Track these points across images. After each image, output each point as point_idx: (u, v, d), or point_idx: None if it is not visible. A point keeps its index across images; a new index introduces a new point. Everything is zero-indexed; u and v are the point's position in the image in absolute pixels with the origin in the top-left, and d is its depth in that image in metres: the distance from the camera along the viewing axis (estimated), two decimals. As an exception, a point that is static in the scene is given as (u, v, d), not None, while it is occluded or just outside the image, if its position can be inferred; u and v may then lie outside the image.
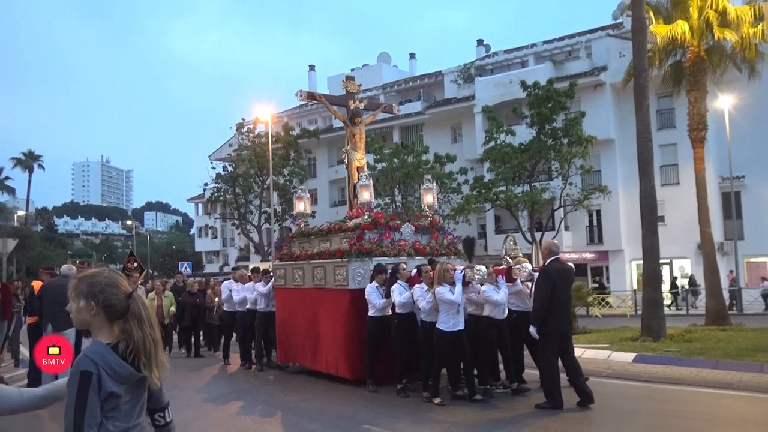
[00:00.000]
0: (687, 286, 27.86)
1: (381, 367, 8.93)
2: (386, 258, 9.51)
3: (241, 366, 11.88)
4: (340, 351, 9.44)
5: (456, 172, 29.22)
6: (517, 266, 8.63)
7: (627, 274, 31.26)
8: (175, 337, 15.09)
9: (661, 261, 14.04)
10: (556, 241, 7.97)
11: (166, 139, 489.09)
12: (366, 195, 10.42)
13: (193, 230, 72.02)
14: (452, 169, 29.81)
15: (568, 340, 7.62)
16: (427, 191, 11.37)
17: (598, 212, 30.93)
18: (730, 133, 25.27)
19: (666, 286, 24.72)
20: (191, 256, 59.18)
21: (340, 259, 9.58)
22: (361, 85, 12.29)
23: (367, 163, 35.69)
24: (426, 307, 7.96)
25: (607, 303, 26.93)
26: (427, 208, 11.18)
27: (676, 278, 29.20)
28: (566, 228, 30.61)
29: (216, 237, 56.93)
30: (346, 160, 11.30)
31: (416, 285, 8.31)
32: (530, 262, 11.07)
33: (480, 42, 43.85)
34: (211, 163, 42.17)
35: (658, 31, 17.98)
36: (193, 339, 14.38)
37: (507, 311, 8.38)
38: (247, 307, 11.79)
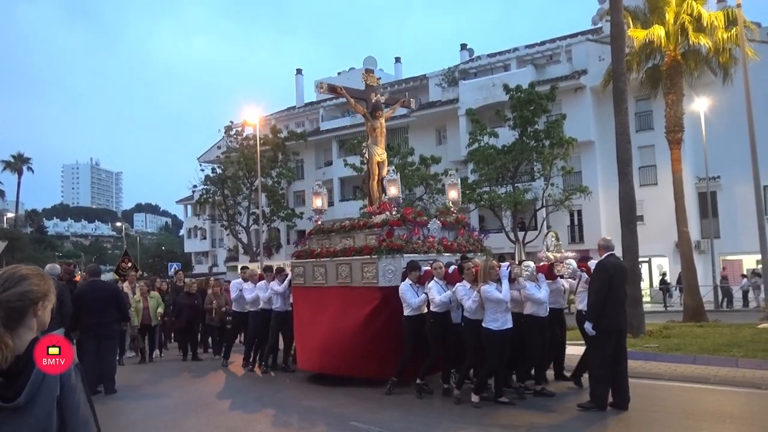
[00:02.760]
0: (661, 284, 28.12)
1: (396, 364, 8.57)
2: (416, 255, 9.10)
3: (243, 367, 11.36)
4: (373, 351, 8.89)
5: (441, 173, 29.27)
6: (561, 262, 8.24)
7: (607, 272, 31.39)
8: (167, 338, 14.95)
9: (639, 259, 14.16)
10: (609, 237, 7.58)
11: (155, 141, 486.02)
12: (393, 190, 10.00)
13: (183, 231, 71.57)
14: (437, 171, 29.87)
15: (623, 338, 7.28)
16: (451, 186, 10.96)
17: (579, 212, 31.11)
18: (705, 135, 25.57)
19: (645, 284, 24.93)
20: (180, 257, 58.76)
21: (368, 256, 9.09)
22: (380, 78, 11.74)
23: (353, 165, 35.46)
24: (472, 306, 7.51)
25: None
26: (451, 204, 10.83)
27: (665, 275, 29.19)
28: (548, 227, 30.74)
29: (205, 238, 56.66)
30: (366, 155, 10.90)
31: (458, 283, 7.87)
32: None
33: (464, 46, 43.96)
34: (200, 165, 42.06)
35: (636, 35, 18.15)
36: (190, 342, 13.51)
37: (549, 309, 8.03)
38: (261, 306, 11.06)
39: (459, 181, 11.13)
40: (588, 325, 7.11)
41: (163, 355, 13.84)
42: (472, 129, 28.15)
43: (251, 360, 11.33)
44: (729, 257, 29.55)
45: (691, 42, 18.00)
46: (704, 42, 17.77)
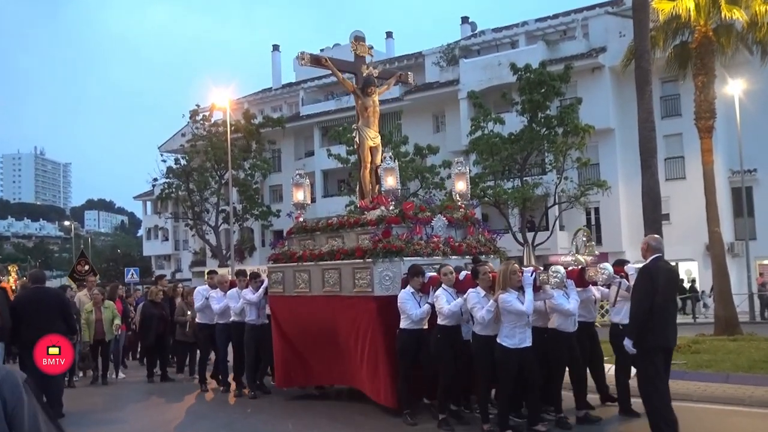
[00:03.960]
0: (690, 292, 28.21)
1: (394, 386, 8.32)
2: (418, 258, 8.67)
3: (220, 389, 11.15)
4: (373, 372, 8.57)
5: (438, 165, 29.31)
6: (594, 267, 7.83)
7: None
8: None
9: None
10: (659, 236, 7.21)
11: (109, 128, 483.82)
12: (391, 181, 9.59)
13: (141, 232, 71.21)
14: (434, 162, 29.88)
15: (670, 358, 6.95)
16: (459, 176, 10.55)
17: (597, 210, 31.24)
18: (740, 122, 25.68)
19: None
20: (139, 261, 58.49)
21: (361, 260, 8.75)
22: (372, 47, 11.37)
23: (338, 155, 35.52)
24: (486, 317, 7.14)
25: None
26: (458, 198, 10.46)
27: (694, 281, 29.27)
28: (561, 227, 30.84)
29: (167, 239, 56.37)
30: (356, 139, 10.66)
31: (470, 289, 7.50)
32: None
33: (465, 19, 44.00)
34: (162, 155, 41.88)
35: (662, 7, 18.19)
36: (159, 360, 13.12)
37: (577, 323, 7.83)
38: (232, 319, 10.77)
39: (468, 171, 10.84)
40: (628, 343, 6.75)
41: (120, 376, 13.32)
42: (475, 114, 28.19)
43: (225, 380, 11.18)
44: (766, 261, 29.76)
45: (723, 15, 18.07)
46: (738, 16, 17.84)
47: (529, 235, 27.01)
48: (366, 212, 9.55)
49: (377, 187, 10.39)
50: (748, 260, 26.84)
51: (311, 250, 9.69)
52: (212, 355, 11.89)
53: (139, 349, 15.81)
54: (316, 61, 11.01)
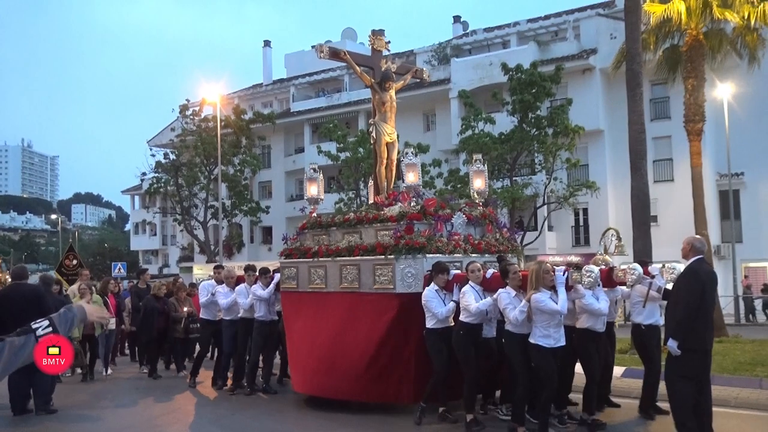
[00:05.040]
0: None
1: (420, 386, 8.19)
2: (440, 255, 8.55)
3: (213, 386, 10.96)
4: (389, 371, 8.42)
5: (429, 164, 29.31)
6: (624, 267, 7.68)
7: (616, 280, 31.72)
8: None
9: (653, 265, 14.28)
10: (701, 237, 7.17)
11: (97, 121, 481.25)
12: (412, 176, 9.49)
13: (129, 226, 70.94)
14: (425, 161, 29.85)
15: (710, 360, 6.90)
16: (477, 174, 10.45)
17: (585, 211, 31.36)
18: (729, 126, 25.86)
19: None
20: (126, 256, 58.27)
21: (382, 256, 8.62)
22: (390, 42, 11.24)
23: (328, 152, 35.38)
24: (519, 317, 7.11)
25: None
26: (476, 195, 10.35)
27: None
28: (550, 228, 30.95)
29: (155, 234, 56.20)
30: (373, 134, 10.49)
31: (501, 290, 7.47)
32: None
33: (457, 19, 44.08)
34: (150, 149, 41.65)
35: (653, 10, 18.28)
36: (159, 355, 13.02)
37: (606, 322, 7.75)
38: (239, 315, 10.57)
39: (486, 168, 10.76)
40: (673, 344, 6.65)
41: (110, 372, 12.89)
42: (465, 114, 28.20)
43: (223, 377, 10.97)
44: (752, 264, 29.98)
45: (715, 18, 18.17)
46: (731, 18, 17.94)
47: (518, 235, 27.07)
48: (384, 208, 9.36)
49: (392, 183, 10.27)
50: (735, 263, 27.03)
51: (327, 246, 9.49)
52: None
53: (127, 344, 15.61)
54: (334, 54, 10.84)
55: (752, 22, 17.95)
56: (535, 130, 25.89)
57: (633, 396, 9.09)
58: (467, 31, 42.08)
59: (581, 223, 32.23)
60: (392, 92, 10.46)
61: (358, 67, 10.68)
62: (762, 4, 17.52)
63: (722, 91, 25.62)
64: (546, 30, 36.14)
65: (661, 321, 8.04)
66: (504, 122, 26.60)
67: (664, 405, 7.45)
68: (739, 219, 29.70)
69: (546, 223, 29.12)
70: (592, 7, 35.33)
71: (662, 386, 7.62)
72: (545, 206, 27.77)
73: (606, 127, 31.04)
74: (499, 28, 38.41)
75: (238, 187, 37.92)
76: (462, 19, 44.22)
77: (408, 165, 9.59)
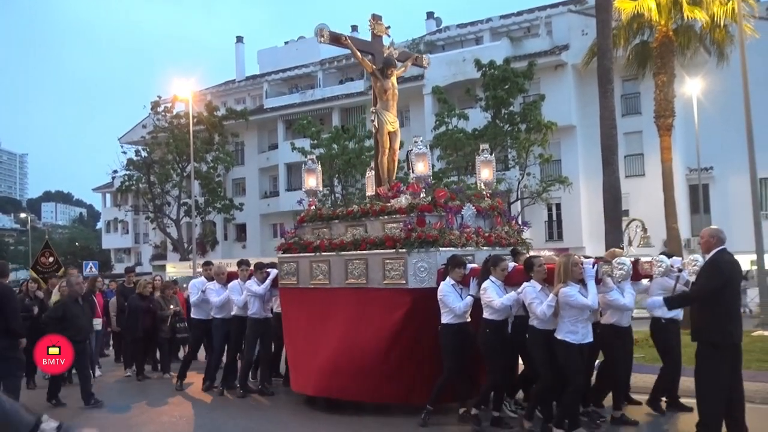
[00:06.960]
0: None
1: (425, 387, 7.86)
2: (453, 249, 8.23)
3: (204, 386, 10.45)
4: (401, 370, 8.07)
5: (402, 159, 29.29)
6: (651, 259, 7.41)
7: (588, 274, 32.07)
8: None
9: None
10: (720, 228, 6.91)
11: (67, 118, 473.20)
12: (421, 167, 9.07)
13: (100, 224, 70.04)
14: (399, 157, 29.86)
15: (741, 354, 6.63)
16: (484, 165, 10.15)
17: (558, 206, 31.64)
18: (698, 121, 26.23)
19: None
20: (98, 254, 57.52)
21: (393, 250, 8.23)
22: (389, 27, 10.88)
23: (302, 149, 35.12)
24: (547, 312, 6.80)
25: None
26: (484, 187, 10.09)
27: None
28: (524, 223, 31.12)
29: (127, 232, 55.53)
30: (374, 123, 10.15)
31: (526, 283, 7.14)
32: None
33: (430, 15, 44.17)
34: (122, 146, 41.31)
35: (624, 7, 18.46)
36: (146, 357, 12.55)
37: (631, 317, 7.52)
38: (233, 313, 10.13)
39: (494, 159, 10.45)
40: (657, 303, 6.70)
41: (98, 374, 12.21)
42: (439, 110, 28.31)
43: (212, 377, 10.54)
44: (721, 257, 30.41)
45: (685, 16, 18.41)
46: (700, 17, 18.19)
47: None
48: (389, 200, 9.02)
49: (395, 173, 10.08)
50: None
51: (330, 240, 9.11)
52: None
53: (112, 344, 15.06)
54: (335, 39, 10.47)
55: (720, 20, 18.21)
56: (508, 125, 26.07)
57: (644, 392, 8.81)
58: (440, 27, 42.14)
59: (554, 218, 32.50)
60: (394, 79, 10.15)
61: (359, 53, 10.28)
62: (729, 2, 17.77)
63: (691, 87, 26.00)
64: (518, 26, 36.39)
65: (681, 315, 8.03)
66: (477, 118, 26.73)
67: (688, 402, 7.44)
68: (708, 213, 30.16)
69: (520, 218, 29.31)
70: (564, 3, 35.59)
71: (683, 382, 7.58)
72: (519, 201, 27.98)
73: (578, 123, 31.32)
74: (472, 24, 38.59)
75: (212, 184, 37.69)
76: (435, 15, 44.29)
77: (417, 155, 9.17)
